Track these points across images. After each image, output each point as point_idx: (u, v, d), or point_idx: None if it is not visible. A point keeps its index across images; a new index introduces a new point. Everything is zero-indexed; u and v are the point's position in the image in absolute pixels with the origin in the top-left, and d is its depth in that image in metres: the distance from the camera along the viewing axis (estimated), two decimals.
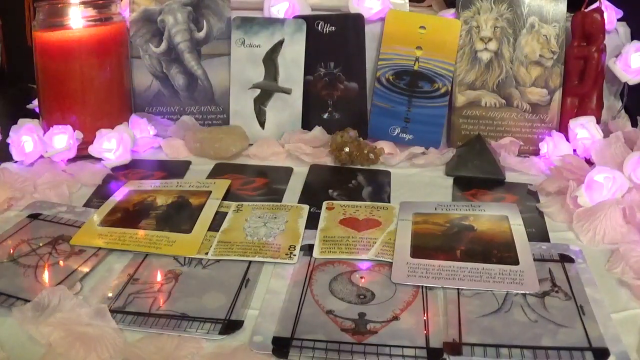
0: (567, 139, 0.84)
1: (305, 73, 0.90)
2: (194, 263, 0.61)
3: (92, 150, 0.83)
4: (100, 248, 0.63)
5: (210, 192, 0.74)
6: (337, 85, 0.90)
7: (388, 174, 0.82)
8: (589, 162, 0.79)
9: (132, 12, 0.91)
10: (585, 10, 0.86)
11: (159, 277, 0.59)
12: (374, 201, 0.73)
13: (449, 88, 0.88)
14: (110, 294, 0.57)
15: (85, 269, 0.60)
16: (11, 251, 0.63)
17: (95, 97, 0.87)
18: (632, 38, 0.91)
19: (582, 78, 0.86)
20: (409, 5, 0.94)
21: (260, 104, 0.91)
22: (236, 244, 0.64)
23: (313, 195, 0.75)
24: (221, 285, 0.58)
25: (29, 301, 0.53)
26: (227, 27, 0.92)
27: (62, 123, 0.84)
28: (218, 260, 0.62)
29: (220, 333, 0.52)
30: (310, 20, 0.89)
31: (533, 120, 0.88)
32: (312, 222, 0.68)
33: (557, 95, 0.87)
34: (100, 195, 0.76)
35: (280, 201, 0.74)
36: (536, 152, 0.87)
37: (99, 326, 0.51)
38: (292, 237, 0.65)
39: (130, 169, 0.83)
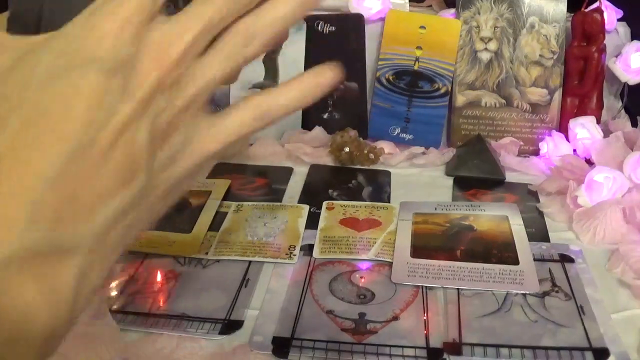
0: (567, 139, 0.84)
1: None
2: (194, 263, 0.61)
3: None
4: None
5: (210, 192, 0.74)
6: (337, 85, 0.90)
7: (388, 174, 0.81)
8: (589, 162, 0.79)
9: None
10: (585, 10, 0.86)
11: (159, 277, 0.59)
12: (374, 201, 0.73)
13: (449, 88, 0.88)
14: (110, 294, 0.57)
15: None
16: None
17: None
18: (632, 38, 0.91)
19: (582, 78, 0.86)
20: (409, 5, 0.94)
21: None
22: (236, 244, 0.64)
23: (313, 195, 0.75)
24: (221, 285, 0.58)
25: None
26: None
27: None
28: (218, 260, 0.62)
29: (220, 333, 0.52)
30: (310, 20, 0.89)
31: (533, 120, 0.88)
32: (312, 222, 0.68)
33: (557, 95, 0.87)
34: None
35: (280, 201, 0.74)
36: (536, 152, 0.87)
37: (99, 326, 0.51)
38: (292, 237, 0.65)
39: None
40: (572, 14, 0.86)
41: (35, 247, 0.22)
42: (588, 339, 0.50)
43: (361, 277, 0.59)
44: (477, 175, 0.80)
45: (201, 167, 0.27)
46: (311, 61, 0.90)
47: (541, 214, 0.71)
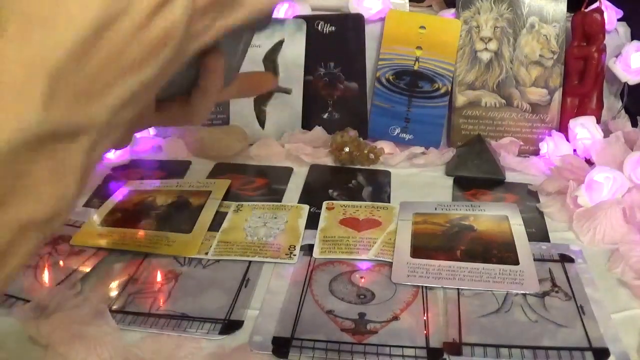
0: (567, 139, 0.84)
1: (305, 73, 0.90)
2: (194, 263, 0.61)
3: None
4: (100, 248, 0.63)
5: (210, 192, 0.74)
6: (337, 85, 0.90)
7: (388, 174, 0.81)
8: (589, 162, 0.79)
9: None
10: (585, 10, 0.86)
11: (159, 277, 0.59)
12: (374, 201, 0.73)
13: (449, 88, 0.88)
14: (110, 294, 0.57)
15: (85, 269, 0.60)
16: None
17: None
18: (632, 38, 0.91)
19: (582, 78, 0.86)
20: (409, 5, 0.94)
21: (260, 104, 0.91)
22: (236, 244, 0.64)
23: (313, 195, 0.75)
24: (221, 285, 0.58)
25: (29, 301, 0.53)
26: None
27: None
28: (218, 260, 0.62)
29: (220, 333, 0.52)
30: (310, 20, 0.89)
31: (533, 120, 0.88)
32: (312, 222, 0.68)
33: (557, 95, 0.87)
34: (100, 195, 0.76)
35: (280, 201, 0.74)
36: (536, 152, 0.87)
37: (99, 326, 0.51)
38: (292, 237, 0.65)
39: (130, 169, 0.83)
40: (572, 14, 0.86)
41: (52, 128, 0.22)
42: (588, 339, 0.50)
43: (361, 277, 0.59)
44: (477, 175, 0.80)
45: (249, 21, 0.27)
46: (311, 61, 0.90)
47: (541, 214, 0.71)
